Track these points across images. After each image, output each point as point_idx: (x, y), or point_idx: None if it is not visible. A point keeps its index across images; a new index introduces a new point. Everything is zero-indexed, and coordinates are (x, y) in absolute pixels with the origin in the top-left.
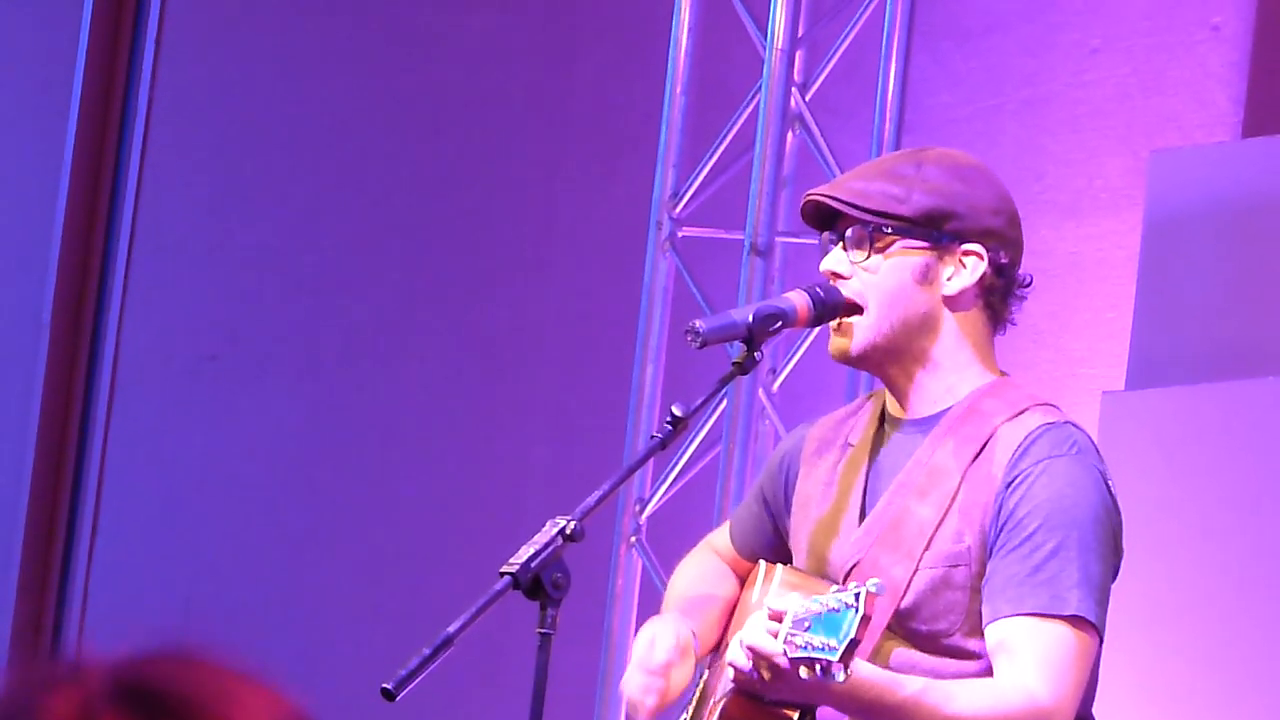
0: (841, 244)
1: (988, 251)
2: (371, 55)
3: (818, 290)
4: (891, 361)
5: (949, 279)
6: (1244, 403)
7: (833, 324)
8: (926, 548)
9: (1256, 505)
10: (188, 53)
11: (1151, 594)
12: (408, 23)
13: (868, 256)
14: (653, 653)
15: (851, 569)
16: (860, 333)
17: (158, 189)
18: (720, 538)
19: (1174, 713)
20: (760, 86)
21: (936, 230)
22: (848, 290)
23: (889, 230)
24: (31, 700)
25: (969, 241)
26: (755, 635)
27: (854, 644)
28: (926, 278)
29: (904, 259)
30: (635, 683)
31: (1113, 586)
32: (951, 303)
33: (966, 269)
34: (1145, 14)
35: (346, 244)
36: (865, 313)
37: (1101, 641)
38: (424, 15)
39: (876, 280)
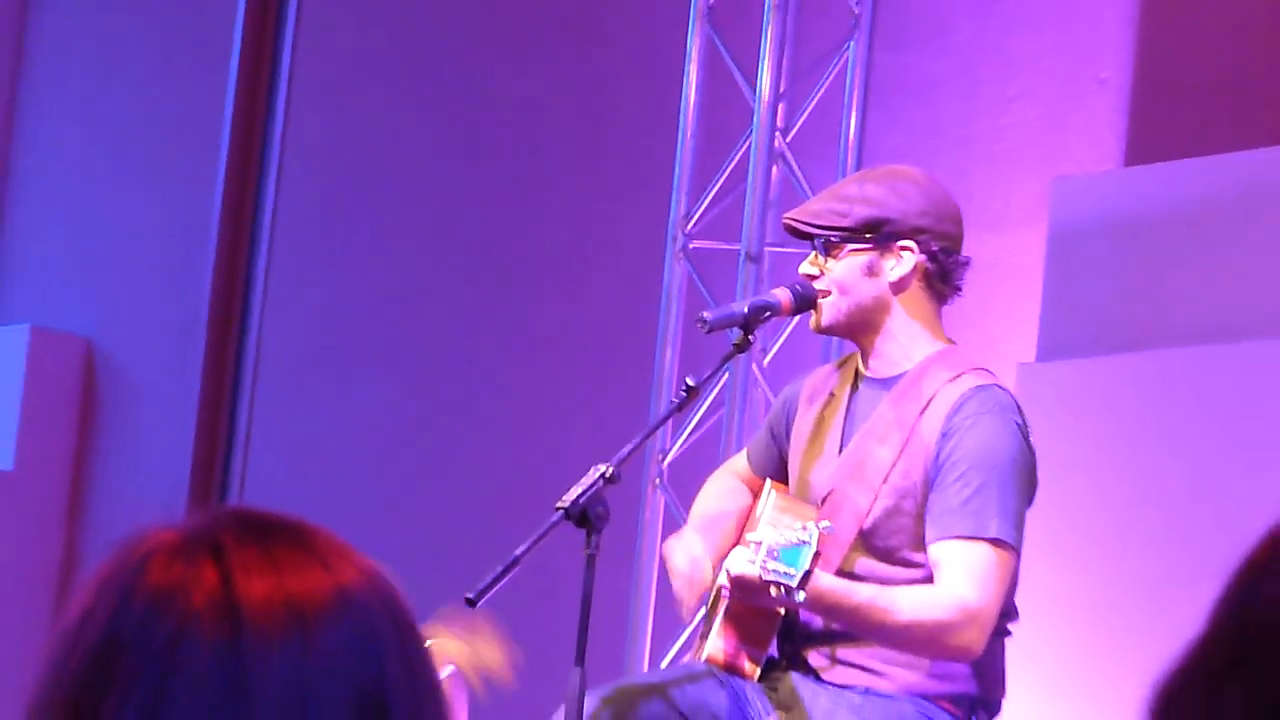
0: (814, 253)
1: (919, 245)
2: (450, 112)
3: (796, 286)
4: (855, 333)
5: (891, 269)
6: (1133, 372)
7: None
8: (884, 481)
9: (1146, 454)
10: (312, 113)
11: (1060, 539)
12: (478, 84)
13: (827, 260)
14: (699, 566)
15: (827, 495)
16: (826, 312)
17: (290, 217)
18: (739, 462)
19: (1084, 648)
20: (751, 131)
21: (875, 234)
22: (818, 285)
23: (836, 239)
24: (145, 533)
25: (903, 239)
26: (737, 564)
27: (808, 574)
28: (872, 271)
29: (852, 259)
30: (685, 563)
31: (1027, 534)
32: (895, 287)
33: (903, 261)
34: (1049, 71)
35: (427, 263)
36: (829, 298)
37: (1018, 556)
38: (489, 78)
39: (835, 276)
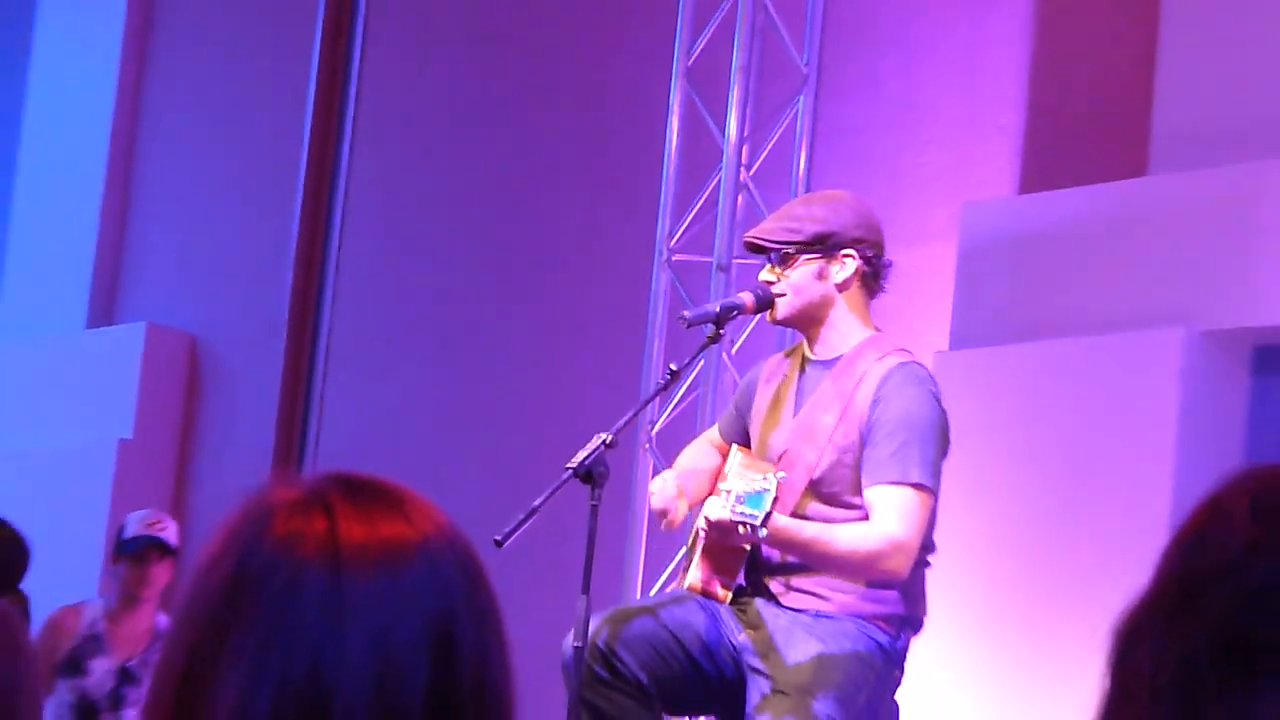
0: (770, 264)
1: (858, 252)
2: (486, 151)
3: (757, 290)
4: (806, 325)
5: (836, 273)
6: (1026, 357)
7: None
8: (828, 441)
9: (1037, 423)
10: (373, 147)
11: (972, 493)
12: (508, 130)
13: (783, 269)
14: (666, 486)
15: (783, 454)
16: (783, 309)
17: (355, 233)
18: (712, 432)
19: (993, 582)
20: (721, 167)
21: (823, 245)
22: (776, 289)
23: (792, 251)
24: (268, 490)
25: (845, 248)
26: (712, 510)
27: (769, 514)
28: (821, 275)
29: (805, 266)
30: (665, 498)
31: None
32: (839, 287)
33: (845, 265)
34: (958, 118)
35: (467, 270)
36: (785, 297)
37: (936, 498)
38: (517, 126)
39: (791, 281)
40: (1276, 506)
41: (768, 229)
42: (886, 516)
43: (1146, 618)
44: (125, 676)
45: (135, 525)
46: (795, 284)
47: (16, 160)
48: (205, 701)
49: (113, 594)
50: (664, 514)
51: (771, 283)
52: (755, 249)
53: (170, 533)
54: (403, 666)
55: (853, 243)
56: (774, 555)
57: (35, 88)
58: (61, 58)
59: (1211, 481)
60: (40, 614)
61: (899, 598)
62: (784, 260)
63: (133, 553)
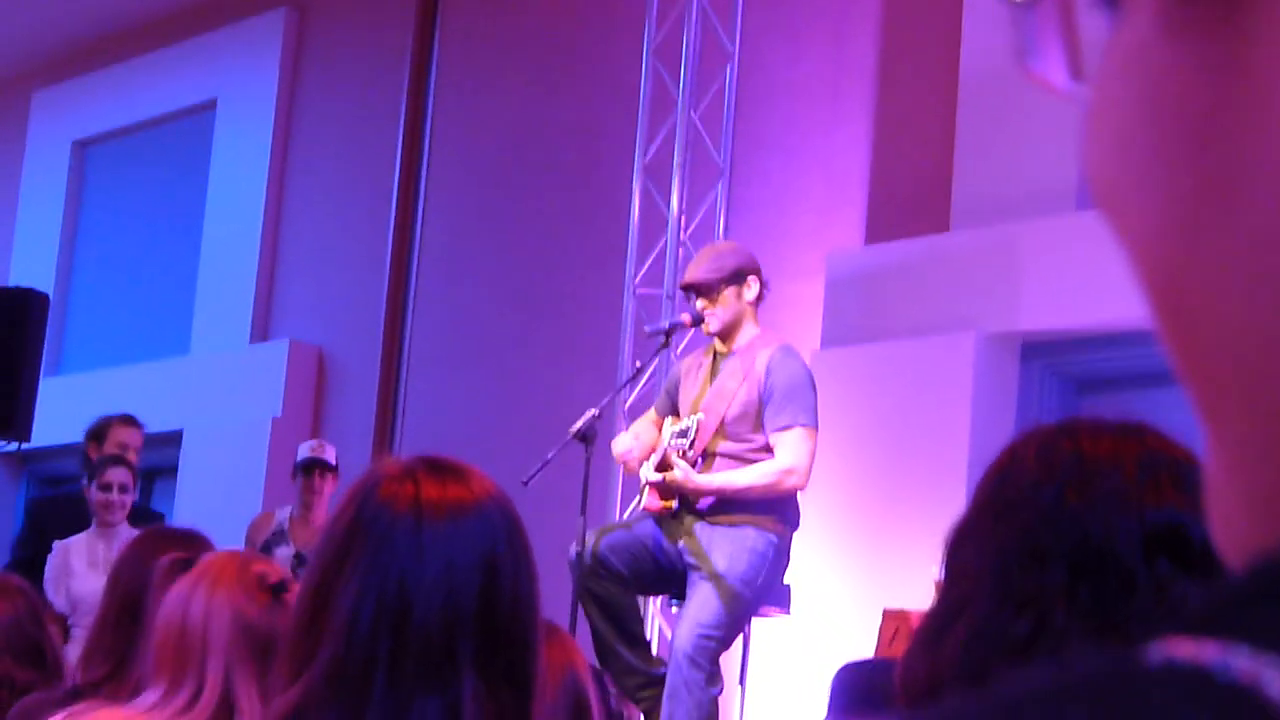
0: (699, 296)
1: (756, 277)
2: (515, 221)
3: (692, 313)
4: (728, 331)
5: (747, 293)
6: (876, 354)
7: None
8: (733, 397)
9: (888, 403)
10: (441, 212)
11: (838, 456)
12: (525, 204)
13: (710, 299)
14: (624, 441)
15: (704, 409)
16: (714, 324)
17: (428, 272)
18: (650, 413)
19: (846, 522)
20: (667, 231)
21: (737, 276)
22: (707, 313)
23: (719, 287)
24: (378, 465)
25: (750, 274)
26: (645, 471)
27: (692, 443)
28: (740, 296)
29: (726, 294)
30: (623, 451)
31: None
32: (749, 303)
33: (752, 288)
34: (823, 195)
35: (506, 297)
36: (716, 317)
37: (816, 433)
38: (532, 200)
39: (719, 306)
40: (1053, 454)
41: (699, 274)
42: (784, 452)
43: (970, 528)
44: (299, 560)
45: (305, 450)
46: (722, 307)
47: (202, 232)
48: (331, 602)
49: (294, 501)
50: (623, 460)
51: (705, 308)
52: (690, 288)
53: (330, 454)
54: (462, 583)
55: (752, 271)
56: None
57: (215, 181)
58: (231, 157)
59: (996, 441)
60: (229, 526)
61: (782, 508)
62: (708, 292)
63: (304, 469)
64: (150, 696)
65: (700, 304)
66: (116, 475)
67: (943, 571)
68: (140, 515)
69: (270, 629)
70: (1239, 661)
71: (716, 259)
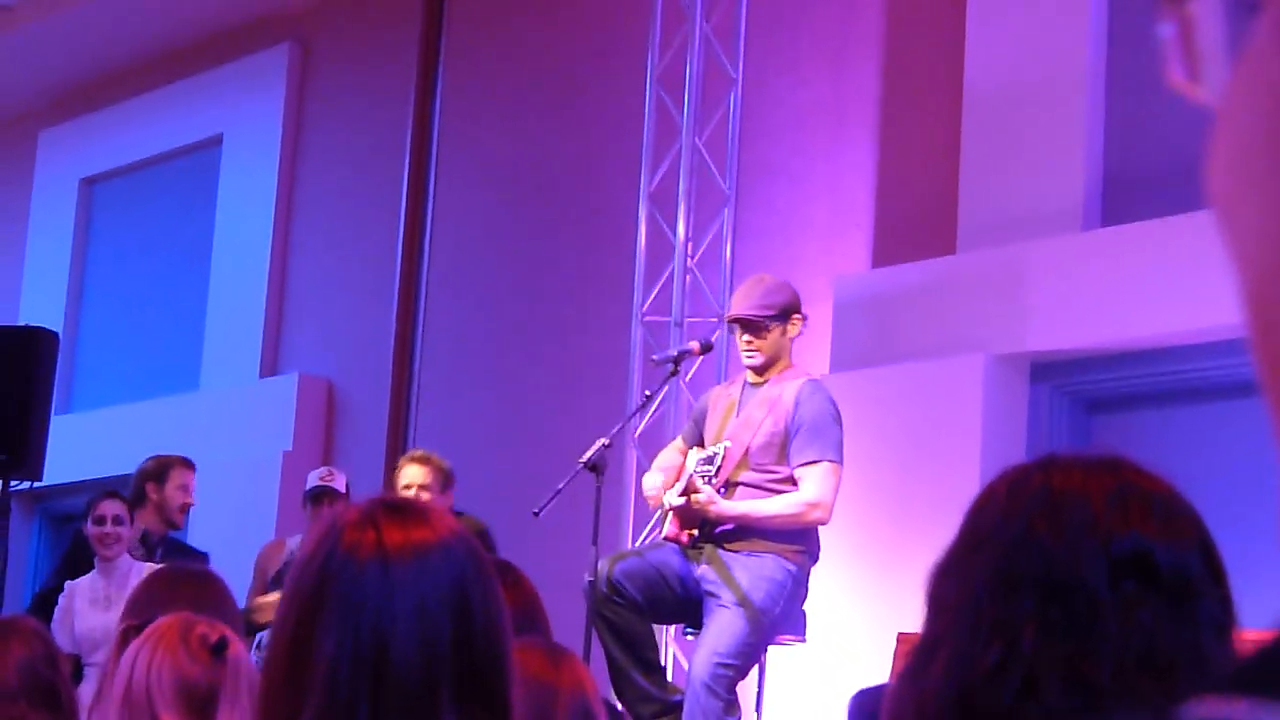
0: (747, 331)
1: (800, 315)
2: (524, 252)
3: (702, 341)
4: (765, 367)
5: (792, 330)
6: (885, 377)
7: (743, 348)
8: (759, 428)
9: (894, 425)
10: (448, 247)
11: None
12: (539, 241)
13: (755, 335)
14: (652, 478)
15: (729, 438)
16: (757, 359)
17: (435, 305)
18: (676, 441)
19: (859, 553)
20: (674, 259)
21: (784, 314)
22: (751, 349)
23: (770, 323)
24: (338, 514)
25: (795, 313)
26: (669, 498)
27: (717, 471)
28: (785, 334)
29: (772, 332)
30: (652, 490)
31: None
32: (791, 339)
33: (796, 326)
34: (828, 221)
35: (517, 324)
36: (761, 354)
37: (842, 469)
38: (546, 236)
39: (764, 341)
40: (1023, 487)
41: (746, 310)
42: (809, 486)
43: (949, 562)
44: None
45: (314, 479)
46: (769, 341)
47: (210, 268)
48: (309, 655)
49: (305, 530)
50: (652, 498)
51: (750, 343)
52: (739, 321)
53: (340, 482)
54: (435, 621)
55: (797, 309)
56: (721, 519)
57: (222, 216)
58: (238, 192)
59: (1007, 463)
60: (241, 561)
61: (802, 541)
62: (755, 329)
63: (313, 499)
64: None
65: (745, 338)
66: (110, 508)
67: (925, 606)
68: (177, 550)
69: (211, 686)
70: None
71: (765, 294)
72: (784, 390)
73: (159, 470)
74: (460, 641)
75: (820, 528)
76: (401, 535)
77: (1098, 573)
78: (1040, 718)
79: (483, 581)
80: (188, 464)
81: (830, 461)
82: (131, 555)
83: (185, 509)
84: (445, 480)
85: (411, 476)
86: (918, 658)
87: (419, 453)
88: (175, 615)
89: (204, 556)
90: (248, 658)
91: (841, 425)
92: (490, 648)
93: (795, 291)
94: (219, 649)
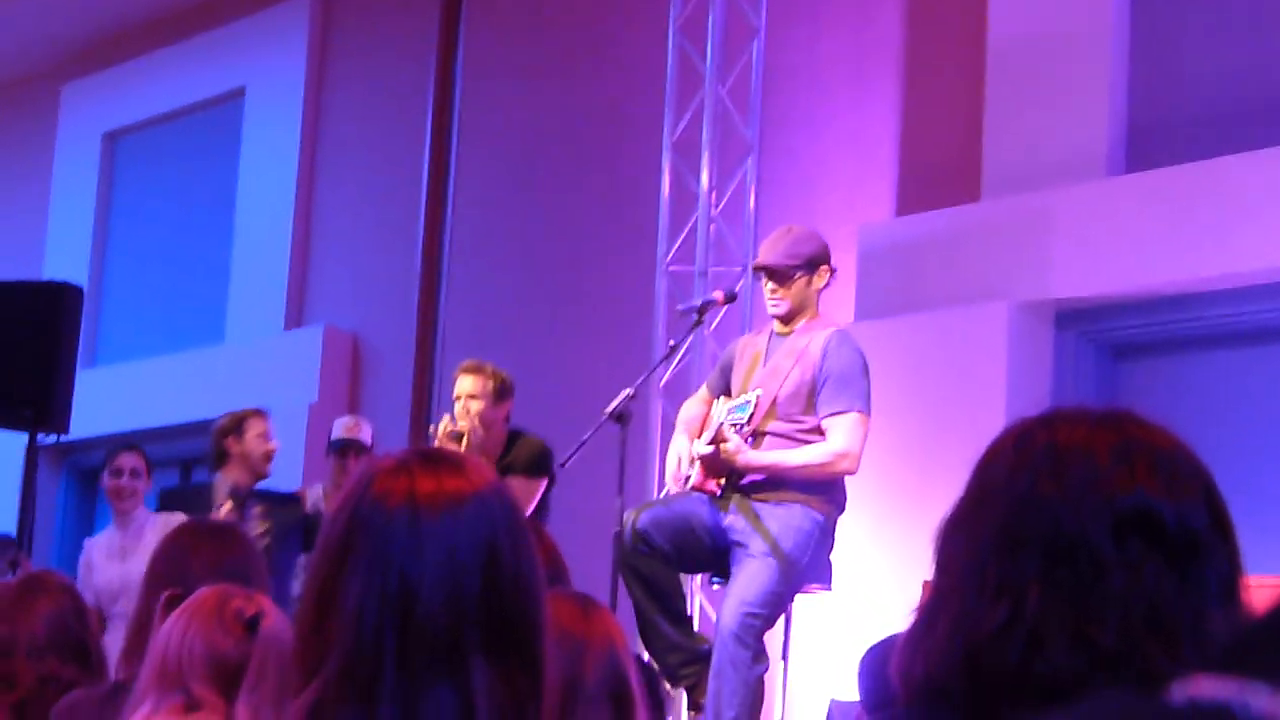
0: (770, 279)
1: (828, 267)
2: (548, 205)
3: (728, 290)
4: (791, 316)
5: (818, 282)
6: (910, 325)
7: (768, 297)
8: (786, 377)
9: (920, 371)
10: (471, 199)
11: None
12: (564, 196)
13: (780, 284)
14: (676, 453)
15: (756, 388)
16: (782, 309)
17: (459, 258)
18: (702, 390)
19: (886, 504)
20: (698, 208)
21: (811, 264)
22: (776, 298)
23: (794, 274)
24: (373, 462)
25: (823, 264)
26: (697, 446)
27: (752, 416)
28: (810, 284)
29: (799, 281)
30: (675, 470)
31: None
32: (817, 290)
33: (823, 276)
34: (852, 168)
35: (540, 284)
36: (785, 304)
37: (869, 419)
38: (572, 193)
39: (789, 290)
40: (1028, 444)
41: (772, 258)
42: (836, 435)
43: (956, 518)
44: None
45: (339, 430)
46: (795, 292)
47: (234, 221)
48: (335, 602)
49: (327, 479)
50: (674, 476)
51: (774, 292)
52: (762, 270)
53: (366, 434)
54: (463, 572)
55: (826, 259)
56: (748, 468)
57: (245, 169)
58: (261, 145)
59: (1031, 408)
60: None
61: (829, 491)
62: (780, 278)
63: (337, 450)
64: (141, 711)
65: (770, 285)
66: (128, 461)
67: (934, 560)
68: (268, 498)
69: (242, 660)
70: (1259, 699)
71: (793, 244)
72: (812, 340)
73: (235, 424)
74: (490, 593)
75: (847, 477)
76: (434, 484)
77: (1102, 531)
78: (1045, 677)
79: (515, 534)
80: (261, 413)
81: (858, 412)
82: (221, 508)
83: (269, 456)
84: (500, 390)
85: (463, 387)
86: (925, 614)
87: (473, 362)
88: (215, 588)
89: (297, 498)
90: (282, 633)
91: (869, 376)
92: (521, 600)
93: (824, 243)
94: (252, 624)
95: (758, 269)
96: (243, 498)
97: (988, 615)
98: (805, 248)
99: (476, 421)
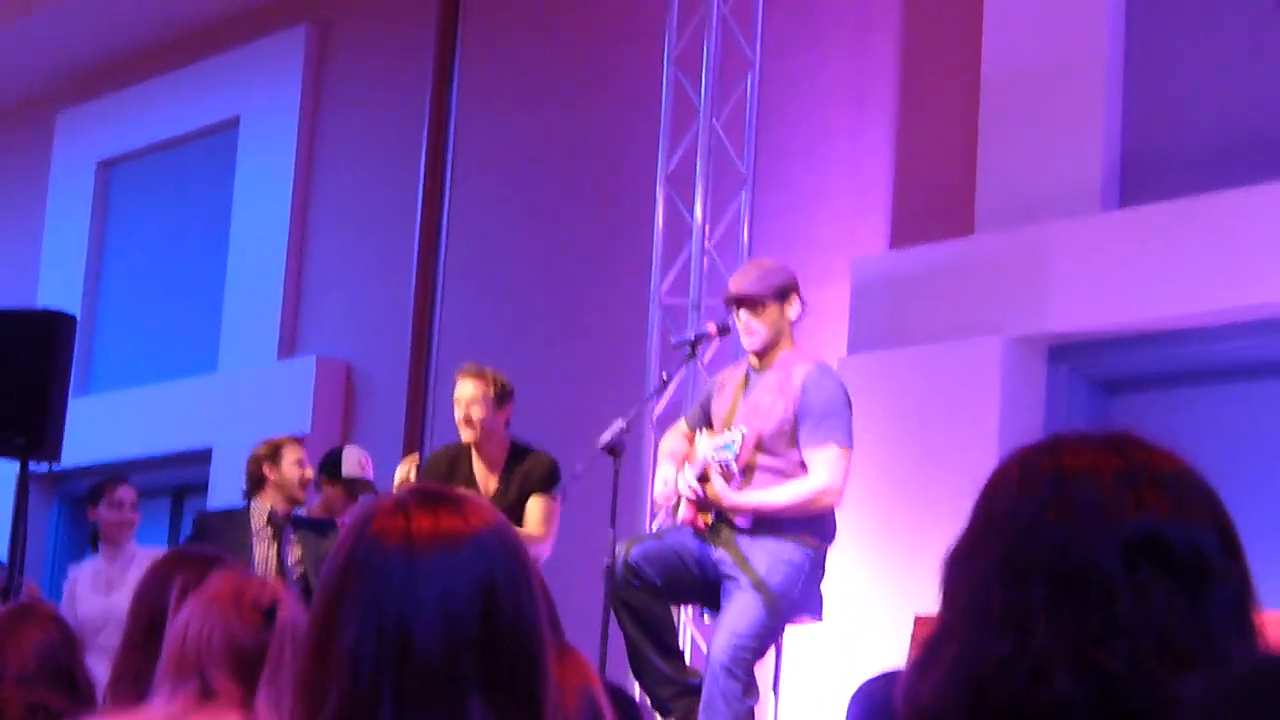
0: (744, 309)
1: (798, 297)
2: (542, 234)
3: (719, 323)
4: (767, 348)
5: (790, 311)
6: (903, 359)
7: (741, 330)
8: (769, 414)
9: (911, 405)
10: (466, 231)
11: (864, 459)
12: (559, 223)
13: (753, 313)
14: (662, 482)
15: (740, 424)
16: (756, 341)
17: (453, 288)
18: (682, 424)
19: (876, 536)
20: (691, 239)
21: (782, 294)
22: (752, 328)
23: (766, 301)
24: (373, 502)
25: (793, 293)
26: (702, 447)
27: (737, 456)
28: (781, 315)
29: (770, 310)
30: (661, 494)
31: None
32: (788, 322)
33: (794, 306)
34: (846, 203)
35: (535, 312)
36: (757, 335)
37: (851, 452)
38: (564, 224)
39: (765, 321)
40: (1032, 472)
41: (745, 287)
42: (819, 469)
43: (961, 548)
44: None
45: (353, 466)
46: (766, 322)
47: (228, 250)
48: (334, 641)
49: (316, 505)
50: (663, 498)
51: (748, 324)
52: (735, 301)
53: (371, 471)
54: (460, 614)
55: (794, 290)
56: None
57: (239, 198)
58: (255, 174)
59: (1023, 442)
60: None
61: (818, 523)
62: (754, 306)
63: (346, 485)
64: (157, 699)
65: (744, 316)
66: (128, 494)
67: (940, 591)
68: (304, 524)
69: (260, 648)
70: None
71: (764, 275)
72: (792, 374)
73: (271, 452)
74: (488, 634)
75: (837, 510)
76: (430, 524)
77: (1111, 556)
78: (1051, 705)
79: (515, 574)
80: (297, 440)
81: (839, 445)
82: (259, 535)
83: (305, 483)
84: (499, 396)
85: (463, 391)
86: (930, 647)
87: (473, 365)
88: (229, 575)
89: (335, 526)
90: (299, 621)
91: (851, 408)
92: (521, 641)
93: (793, 274)
94: (270, 612)
95: (731, 300)
96: (280, 524)
97: (994, 645)
98: (776, 278)
99: (478, 428)
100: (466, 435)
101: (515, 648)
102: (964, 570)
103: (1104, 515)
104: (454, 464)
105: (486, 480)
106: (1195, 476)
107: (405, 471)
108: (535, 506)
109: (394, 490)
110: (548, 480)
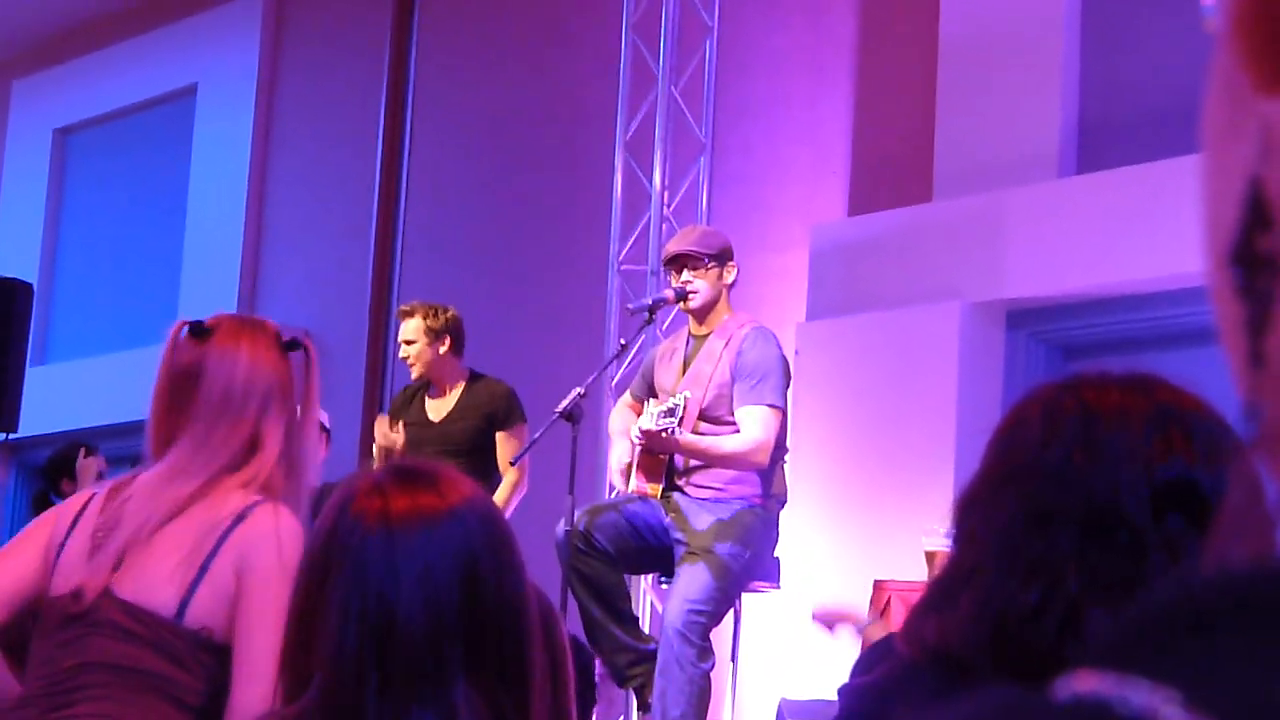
0: (685, 269)
1: (734, 262)
2: (501, 202)
3: (676, 289)
4: (704, 311)
5: (727, 275)
6: (862, 325)
7: (686, 287)
8: (709, 381)
9: (870, 370)
10: (425, 197)
11: (820, 423)
12: (520, 190)
13: (696, 273)
14: (618, 464)
15: (683, 391)
16: (695, 300)
17: (412, 255)
18: (626, 397)
19: (835, 495)
20: (650, 207)
21: (720, 257)
22: (693, 288)
23: (706, 262)
24: (351, 481)
25: (729, 260)
26: (643, 421)
27: (680, 420)
28: (720, 278)
29: (711, 271)
30: (617, 475)
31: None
32: (725, 286)
33: (731, 271)
34: (805, 169)
35: (497, 286)
36: (699, 294)
37: (784, 412)
38: (530, 188)
39: (705, 282)
40: (1058, 413)
41: (686, 246)
42: (751, 427)
43: (978, 492)
44: None
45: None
46: (706, 283)
47: (186, 218)
48: (318, 623)
49: None
50: (619, 472)
51: (687, 283)
52: (677, 259)
53: (324, 419)
54: (441, 593)
55: (730, 256)
56: (682, 462)
57: (197, 166)
58: (213, 142)
59: (983, 410)
60: None
61: (766, 483)
62: (695, 265)
63: None
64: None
65: (686, 275)
66: (97, 464)
67: (951, 537)
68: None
69: (287, 378)
70: (1138, 696)
71: (704, 236)
72: (731, 338)
73: None
74: (469, 612)
75: (791, 470)
76: (408, 502)
77: (1140, 505)
78: (1080, 657)
79: (496, 548)
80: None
81: (769, 406)
82: None
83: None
84: (436, 329)
85: (402, 332)
86: (941, 588)
87: (406, 305)
88: (244, 318)
89: None
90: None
91: (787, 371)
92: (504, 614)
93: (729, 241)
94: (291, 346)
95: (670, 259)
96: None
97: (1020, 594)
98: (716, 240)
99: (419, 362)
100: (414, 372)
101: (498, 622)
102: (984, 514)
103: (1133, 461)
104: (411, 399)
105: (438, 410)
106: (1220, 419)
107: (384, 425)
108: (505, 447)
109: (377, 441)
110: (510, 415)
